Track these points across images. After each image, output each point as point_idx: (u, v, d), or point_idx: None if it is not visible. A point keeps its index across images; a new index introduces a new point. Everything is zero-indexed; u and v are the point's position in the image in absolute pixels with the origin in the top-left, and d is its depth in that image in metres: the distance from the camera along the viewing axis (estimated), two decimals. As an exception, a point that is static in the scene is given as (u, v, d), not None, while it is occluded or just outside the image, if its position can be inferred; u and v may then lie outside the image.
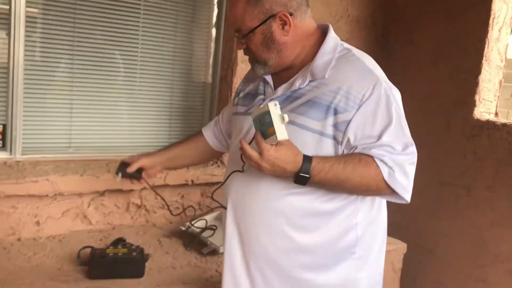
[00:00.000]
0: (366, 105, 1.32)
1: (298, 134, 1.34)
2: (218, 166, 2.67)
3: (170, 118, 2.77)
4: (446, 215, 2.84)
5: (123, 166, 1.68)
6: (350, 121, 1.32)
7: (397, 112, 1.35)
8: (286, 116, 1.24)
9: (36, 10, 2.34)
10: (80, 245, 1.98)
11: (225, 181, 1.51)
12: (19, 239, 2.18)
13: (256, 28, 1.38)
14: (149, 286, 1.83)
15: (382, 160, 1.30)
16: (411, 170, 1.34)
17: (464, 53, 2.78)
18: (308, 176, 1.29)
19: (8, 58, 2.27)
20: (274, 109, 1.25)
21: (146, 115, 2.72)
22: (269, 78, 1.50)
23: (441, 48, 2.92)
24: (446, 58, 2.88)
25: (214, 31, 2.81)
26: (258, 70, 1.47)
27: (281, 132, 1.24)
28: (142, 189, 2.43)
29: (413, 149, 1.35)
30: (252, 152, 1.28)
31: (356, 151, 1.33)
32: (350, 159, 1.32)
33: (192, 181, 2.56)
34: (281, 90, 1.44)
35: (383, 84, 1.34)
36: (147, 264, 1.93)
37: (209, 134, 1.81)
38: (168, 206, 1.85)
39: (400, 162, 1.31)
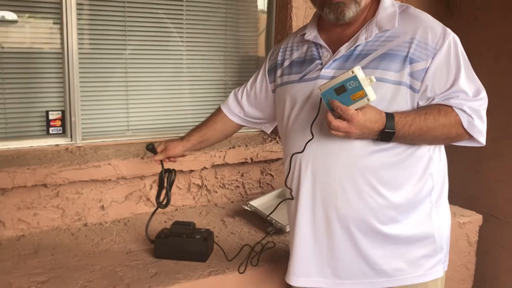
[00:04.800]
0: (440, 53, 1.38)
1: (376, 88, 1.35)
2: (277, 142, 2.60)
3: (225, 95, 2.71)
4: (524, 183, 2.66)
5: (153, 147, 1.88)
6: (427, 69, 1.38)
7: (465, 58, 1.42)
8: (373, 78, 1.29)
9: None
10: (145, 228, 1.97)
11: (289, 166, 1.51)
12: (85, 225, 2.20)
13: None
14: (217, 268, 1.79)
15: (461, 109, 1.38)
16: (485, 114, 1.42)
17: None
18: (393, 131, 1.35)
19: (62, 46, 2.27)
20: (361, 73, 1.28)
21: (201, 94, 2.68)
22: (321, 41, 1.52)
23: (512, 1, 2.69)
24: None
25: (265, 1, 2.72)
26: (347, 10, 1.41)
27: (371, 93, 1.29)
28: (202, 169, 2.40)
29: (484, 93, 1.42)
30: (339, 122, 1.32)
31: (433, 102, 1.40)
32: (430, 110, 1.39)
33: (251, 158, 2.50)
34: (344, 49, 1.45)
35: (451, 33, 1.41)
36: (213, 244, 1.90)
37: (229, 111, 1.84)
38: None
39: (476, 109, 1.39)
